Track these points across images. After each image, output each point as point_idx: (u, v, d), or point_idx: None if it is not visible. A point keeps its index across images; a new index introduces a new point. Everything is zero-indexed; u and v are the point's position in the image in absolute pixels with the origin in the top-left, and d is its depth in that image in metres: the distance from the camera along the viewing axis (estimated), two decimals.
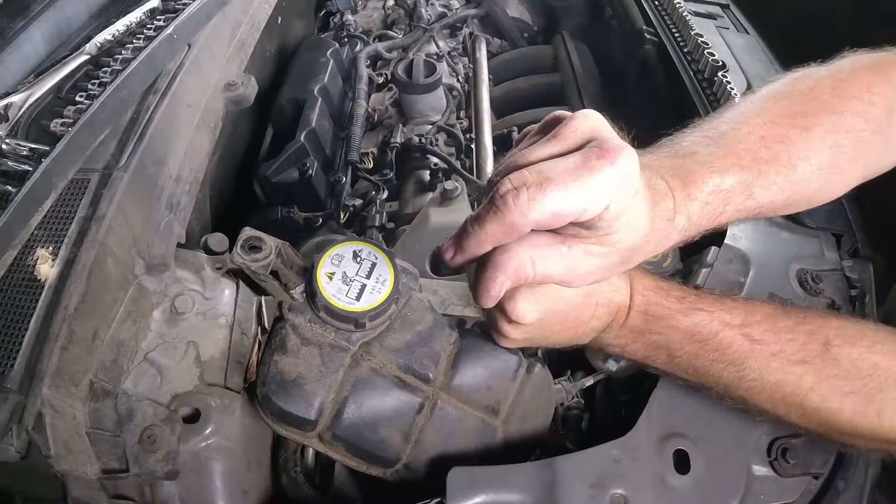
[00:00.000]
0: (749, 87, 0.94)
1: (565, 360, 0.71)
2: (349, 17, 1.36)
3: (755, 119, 0.53)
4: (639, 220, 0.44)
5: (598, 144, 0.41)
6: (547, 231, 0.43)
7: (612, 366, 0.68)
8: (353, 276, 0.56)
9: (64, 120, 0.73)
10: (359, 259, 0.57)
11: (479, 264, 0.45)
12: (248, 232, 0.55)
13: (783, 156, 0.52)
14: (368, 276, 0.57)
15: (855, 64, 0.58)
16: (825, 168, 0.54)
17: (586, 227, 0.42)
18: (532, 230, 0.41)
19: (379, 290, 0.56)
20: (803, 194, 0.55)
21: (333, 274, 0.56)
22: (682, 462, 0.55)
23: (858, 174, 0.59)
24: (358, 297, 0.56)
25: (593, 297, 0.52)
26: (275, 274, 0.56)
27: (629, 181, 0.41)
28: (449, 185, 0.85)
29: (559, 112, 0.45)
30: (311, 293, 0.56)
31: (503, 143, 1.09)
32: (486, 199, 0.41)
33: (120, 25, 0.84)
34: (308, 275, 0.56)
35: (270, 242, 0.55)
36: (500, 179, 0.41)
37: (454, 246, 0.44)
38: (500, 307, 0.49)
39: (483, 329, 0.60)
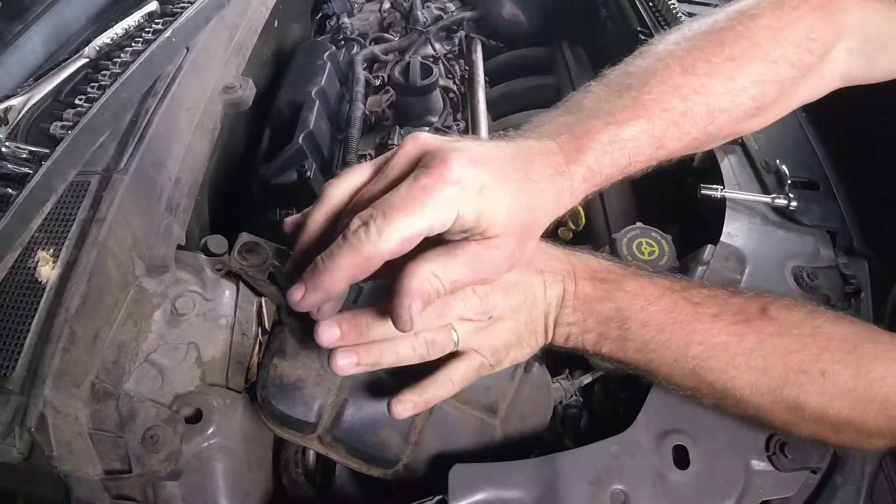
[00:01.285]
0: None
1: (563, 358, 0.71)
2: (345, 20, 1.36)
3: (673, 66, 0.53)
4: (505, 203, 0.44)
5: (426, 163, 0.42)
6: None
7: (609, 363, 0.68)
8: None
9: (63, 123, 0.73)
10: None
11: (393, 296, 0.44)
12: (244, 237, 0.55)
13: (701, 107, 0.52)
14: (366, 278, 0.57)
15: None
16: (744, 116, 0.54)
17: (457, 233, 0.43)
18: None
19: None
20: (717, 137, 0.55)
21: None
22: (681, 457, 0.56)
23: (778, 114, 0.59)
24: (355, 300, 0.56)
25: (532, 265, 0.52)
26: (272, 277, 0.56)
27: (467, 183, 0.42)
28: None
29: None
30: None
31: None
32: (339, 237, 0.42)
33: (118, 29, 0.84)
34: None
35: (267, 247, 0.56)
36: (349, 220, 0.42)
37: (304, 285, 0.43)
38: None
39: None
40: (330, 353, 0.47)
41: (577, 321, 0.53)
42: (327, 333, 0.46)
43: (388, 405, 0.50)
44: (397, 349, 0.49)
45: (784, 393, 0.49)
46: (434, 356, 0.50)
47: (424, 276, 0.43)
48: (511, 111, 1.23)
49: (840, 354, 0.49)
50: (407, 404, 0.50)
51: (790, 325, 0.50)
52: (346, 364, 0.47)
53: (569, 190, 0.48)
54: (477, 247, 0.44)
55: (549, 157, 0.47)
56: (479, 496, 0.52)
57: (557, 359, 0.72)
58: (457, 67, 1.25)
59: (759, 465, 0.56)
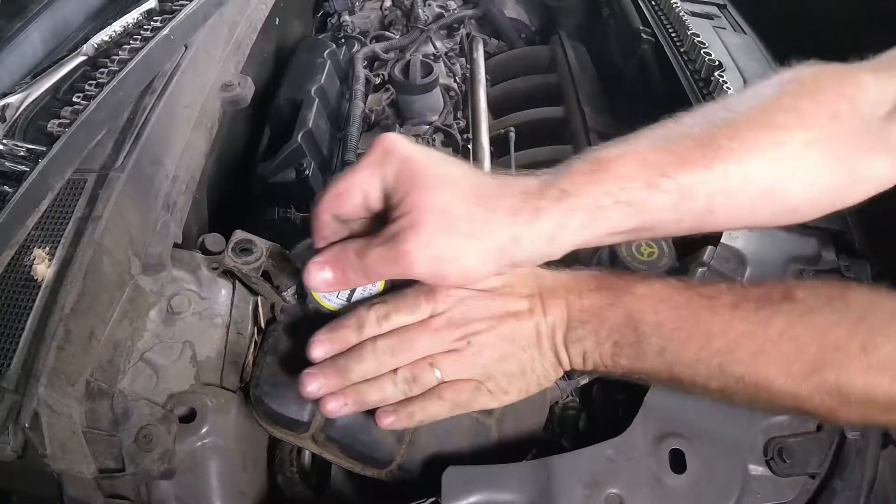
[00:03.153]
0: (746, 87, 0.94)
1: None
2: (346, 17, 1.36)
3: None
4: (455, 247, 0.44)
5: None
6: None
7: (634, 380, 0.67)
8: None
9: (61, 120, 0.73)
10: None
11: None
12: (239, 234, 0.55)
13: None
14: None
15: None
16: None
17: None
18: None
19: (370, 290, 0.56)
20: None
21: None
22: (677, 461, 0.55)
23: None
24: (349, 299, 0.56)
25: (524, 290, 0.51)
26: (266, 276, 0.56)
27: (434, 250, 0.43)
28: None
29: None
30: (303, 295, 0.56)
31: (500, 144, 1.10)
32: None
33: (117, 26, 0.84)
34: (299, 277, 0.57)
35: (261, 245, 0.55)
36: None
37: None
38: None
39: None
40: (319, 401, 0.50)
41: (588, 334, 0.50)
42: (313, 385, 0.49)
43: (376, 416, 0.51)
44: (381, 387, 0.50)
45: (823, 376, 0.44)
46: (417, 391, 0.51)
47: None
48: (512, 110, 1.22)
49: (880, 324, 0.43)
50: (391, 416, 0.51)
51: (820, 303, 0.45)
52: (335, 407, 0.49)
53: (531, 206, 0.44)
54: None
55: (520, 184, 0.45)
56: (472, 499, 0.52)
57: None
58: (458, 66, 1.24)
59: (756, 469, 0.56)
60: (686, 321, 0.47)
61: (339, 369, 0.49)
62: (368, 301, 0.52)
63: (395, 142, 0.46)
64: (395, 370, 0.50)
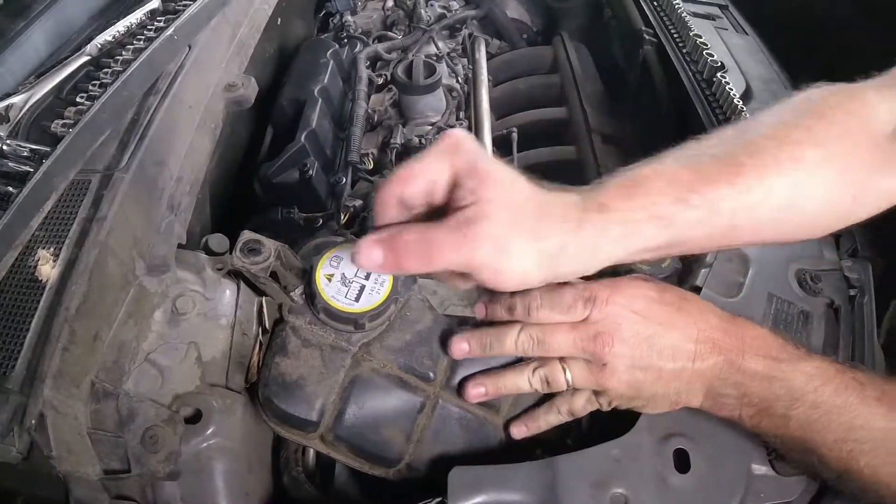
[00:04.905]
0: (748, 88, 0.94)
1: None
2: (349, 17, 1.36)
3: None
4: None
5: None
6: None
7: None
8: (351, 278, 0.57)
9: (65, 121, 0.73)
10: None
11: None
12: (246, 235, 0.55)
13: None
14: (367, 277, 0.57)
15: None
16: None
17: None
18: None
19: (378, 290, 0.57)
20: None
21: (332, 276, 0.56)
22: (682, 461, 0.55)
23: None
24: (357, 298, 0.56)
25: (685, 332, 0.52)
26: (274, 276, 0.56)
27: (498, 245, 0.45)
28: None
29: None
30: (311, 295, 0.56)
31: (503, 144, 1.10)
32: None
33: (120, 26, 0.84)
34: (307, 277, 0.57)
35: (269, 245, 0.55)
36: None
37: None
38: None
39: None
40: (463, 383, 0.57)
41: (737, 395, 0.52)
42: (458, 348, 0.55)
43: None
44: (517, 380, 0.55)
45: None
46: (546, 391, 0.56)
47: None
48: (514, 111, 1.22)
49: None
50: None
51: None
52: (477, 394, 0.56)
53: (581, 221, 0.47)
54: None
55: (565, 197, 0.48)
56: (478, 498, 0.52)
57: None
58: (460, 66, 1.24)
59: (760, 469, 0.56)
60: (839, 407, 0.49)
61: (480, 341, 0.54)
62: (522, 292, 0.52)
63: (464, 138, 0.47)
64: (533, 368, 0.54)
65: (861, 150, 0.49)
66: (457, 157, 0.46)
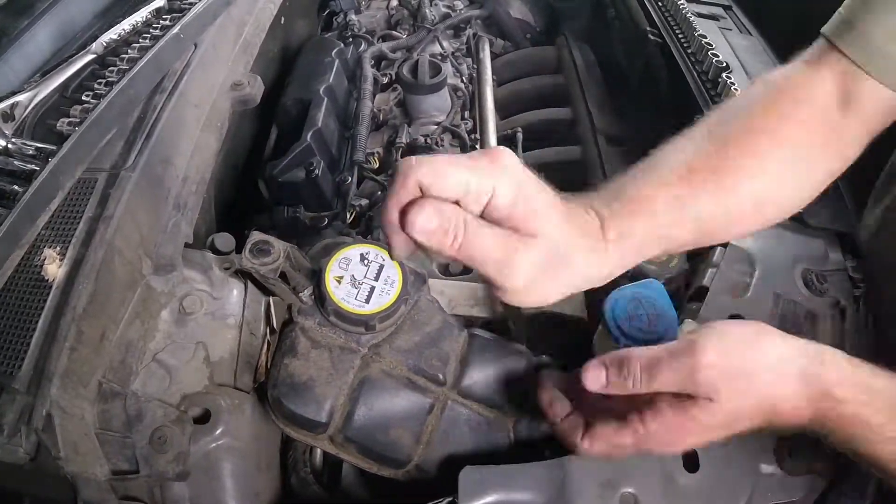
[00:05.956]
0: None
1: (574, 359, 0.71)
2: (353, 16, 1.35)
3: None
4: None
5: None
6: None
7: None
8: (361, 279, 0.56)
9: (70, 119, 0.73)
10: (366, 262, 0.58)
11: None
12: (256, 236, 0.55)
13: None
14: (377, 279, 0.57)
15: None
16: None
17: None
18: None
19: (388, 292, 0.56)
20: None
21: (342, 277, 0.56)
22: (690, 461, 0.55)
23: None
24: (367, 300, 0.56)
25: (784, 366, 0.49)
26: (283, 277, 0.56)
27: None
28: None
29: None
30: (321, 298, 0.56)
31: (507, 144, 1.09)
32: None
33: (126, 25, 0.84)
34: (316, 279, 0.57)
35: (279, 246, 0.55)
36: None
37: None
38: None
39: (491, 329, 0.60)
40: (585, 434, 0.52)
41: (812, 430, 0.50)
42: (593, 380, 0.50)
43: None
44: (622, 442, 0.51)
45: None
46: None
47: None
48: (519, 110, 1.22)
49: None
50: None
51: None
52: (589, 447, 0.51)
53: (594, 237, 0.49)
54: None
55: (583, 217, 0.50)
56: (488, 498, 0.52)
57: (568, 356, 0.72)
58: (465, 66, 1.24)
59: (767, 468, 0.56)
60: None
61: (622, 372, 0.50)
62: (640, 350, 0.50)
63: (511, 159, 0.46)
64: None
65: (813, 132, 0.55)
66: (503, 178, 0.45)
